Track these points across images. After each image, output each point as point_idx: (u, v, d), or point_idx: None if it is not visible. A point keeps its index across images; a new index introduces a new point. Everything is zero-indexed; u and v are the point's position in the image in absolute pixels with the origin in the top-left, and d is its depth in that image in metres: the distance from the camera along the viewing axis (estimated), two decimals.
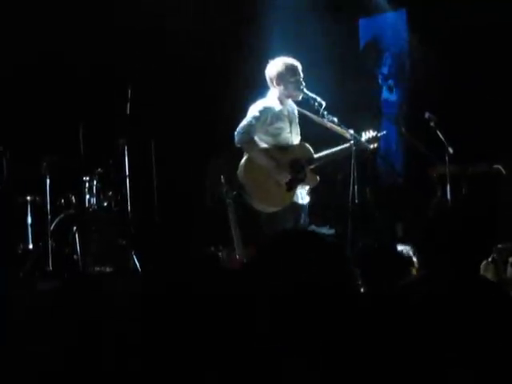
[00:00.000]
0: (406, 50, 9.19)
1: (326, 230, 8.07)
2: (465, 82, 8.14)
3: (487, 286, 2.98)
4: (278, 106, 6.10)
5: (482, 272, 3.68)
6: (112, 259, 7.13)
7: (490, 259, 4.09)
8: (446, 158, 6.59)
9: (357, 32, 9.32)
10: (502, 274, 4.01)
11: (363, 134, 6.06)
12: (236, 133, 5.97)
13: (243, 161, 6.05)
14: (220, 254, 7.19)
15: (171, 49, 8.21)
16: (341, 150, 6.06)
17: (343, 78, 8.47)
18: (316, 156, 6.14)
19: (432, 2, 8.32)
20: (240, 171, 6.07)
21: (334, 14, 8.52)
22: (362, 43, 9.37)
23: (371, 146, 6.07)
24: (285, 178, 6.00)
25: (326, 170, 6.33)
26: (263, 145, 6.01)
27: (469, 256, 2.87)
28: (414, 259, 4.17)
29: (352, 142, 5.96)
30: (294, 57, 6.16)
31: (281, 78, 6.06)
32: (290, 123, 6.14)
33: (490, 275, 3.98)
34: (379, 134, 6.15)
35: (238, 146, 6.02)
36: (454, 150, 6.53)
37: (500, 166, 7.21)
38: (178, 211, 8.13)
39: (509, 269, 3.85)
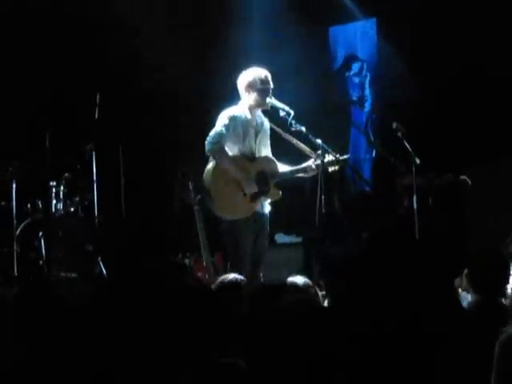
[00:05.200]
0: (376, 58, 9.22)
1: (293, 239, 8.09)
2: (434, 92, 8.19)
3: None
4: (247, 115, 6.10)
5: None
6: (78, 265, 7.08)
7: None
8: (413, 169, 6.61)
9: (327, 40, 9.34)
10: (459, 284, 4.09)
11: (326, 155, 6.03)
12: (207, 142, 5.95)
13: (211, 166, 6.03)
14: (187, 260, 7.19)
15: (141, 53, 8.17)
16: (303, 168, 6.09)
17: (314, 86, 8.48)
18: (280, 172, 6.16)
19: (402, 10, 8.36)
20: (207, 176, 6.04)
21: (304, 22, 8.55)
22: (332, 51, 9.39)
23: (330, 169, 6.05)
24: (253, 189, 6.00)
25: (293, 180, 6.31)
26: (230, 153, 6.01)
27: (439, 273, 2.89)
28: None
29: (317, 161, 5.98)
30: (264, 65, 6.18)
31: (250, 86, 6.07)
32: (256, 134, 6.14)
33: None
34: (341, 158, 6.11)
35: (208, 154, 6.00)
36: (420, 160, 6.55)
37: (466, 177, 7.25)
38: (146, 217, 8.09)
39: (464, 280, 3.93)
